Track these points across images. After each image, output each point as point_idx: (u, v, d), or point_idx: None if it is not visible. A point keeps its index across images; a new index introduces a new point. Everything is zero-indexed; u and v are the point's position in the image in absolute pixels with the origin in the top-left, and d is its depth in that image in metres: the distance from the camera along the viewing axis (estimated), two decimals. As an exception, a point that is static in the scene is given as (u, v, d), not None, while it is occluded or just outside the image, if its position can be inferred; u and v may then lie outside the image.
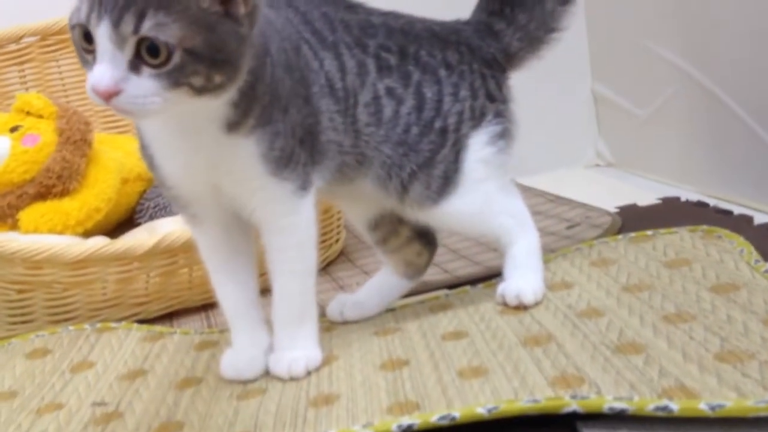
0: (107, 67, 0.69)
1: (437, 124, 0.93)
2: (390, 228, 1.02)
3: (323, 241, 1.36)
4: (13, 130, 1.31)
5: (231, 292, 0.90)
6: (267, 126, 0.81)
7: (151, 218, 1.42)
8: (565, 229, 1.30)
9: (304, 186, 0.85)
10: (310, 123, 0.85)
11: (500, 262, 1.13)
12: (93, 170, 1.32)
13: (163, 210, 1.42)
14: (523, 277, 0.96)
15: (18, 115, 1.33)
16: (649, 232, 1.12)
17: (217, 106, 0.77)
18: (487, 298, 1.01)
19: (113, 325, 1.13)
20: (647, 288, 0.93)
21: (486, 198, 0.95)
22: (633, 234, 1.13)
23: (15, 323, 1.18)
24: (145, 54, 0.69)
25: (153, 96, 0.70)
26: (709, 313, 0.83)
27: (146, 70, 0.70)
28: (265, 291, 0.91)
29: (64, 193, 1.28)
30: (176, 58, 0.70)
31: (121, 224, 1.43)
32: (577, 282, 0.99)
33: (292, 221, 0.86)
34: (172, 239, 1.17)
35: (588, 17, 1.73)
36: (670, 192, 1.47)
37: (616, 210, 1.38)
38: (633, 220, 1.30)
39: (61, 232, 1.25)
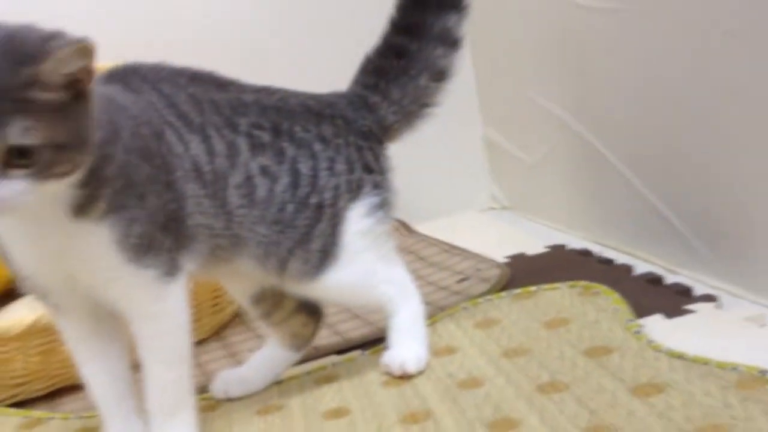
0: None
1: (313, 200, 0.92)
2: (273, 301, 1.01)
3: (215, 305, 1.33)
4: None
5: (102, 385, 0.87)
6: (121, 212, 0.78)
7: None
8: (456, 284, 1.32)
9: (170, 272, 0.83)
10: (173, 209, 0.83)
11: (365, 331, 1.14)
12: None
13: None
14: (407, 346, 0.97)
15: None
16: (533, 288, 1.14)
17: (62, 188, 0.74)
18: (373, 367, 1.01)
19: (-12, 410, 1.08)
20: (525, 353, 0.95)
21: (366, 269, 0.96)
22: (517, 290, 1.15)
23: None
24: (15, 158, 0.68)
25: (23, 195, 0.69)
26: (582, 381, 0.85)
27: (16, 173, 0.69)
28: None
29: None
30: (45, 155, 0.69)
31: (3, 296, 1.37)
32: (461, 346, 1.00)
33: (160, 308, 0.83)
34: (48, 320, 1.12)
35: (475, 66, 1.76)
36: (559, 237, 1.50)
37: (506, 260, 1.40)
38: (521, 270, 1.33)
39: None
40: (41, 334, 1.14)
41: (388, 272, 0.98)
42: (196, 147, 0.86)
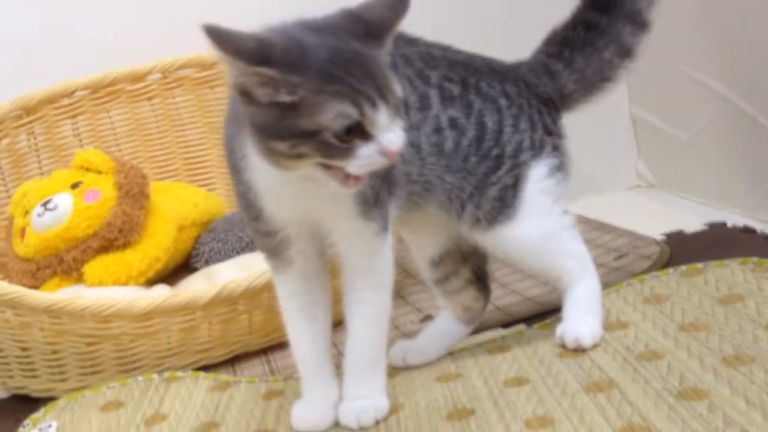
0: (393, 133, 0.78)
1: (494, 152, 0.96)
2: (452, 268, 1.05)
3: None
4: (74, 186, 1.36)
5: (306, 344, 0.94)
6: None
7: (207, 262, 1.47)
8: (614, 260, 1.32)
9: (385, 227, 0.89)
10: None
11: (552, 297, 1.16)
12: (151, 221, 1.37)
13: (218, 254, 1.47)
14: (583, 320, 0.98)
15: (78, 172, 1.38)
16: (700, 265, 1.13)
17: None
18: (543, 340, 1.03)
19: (180, 374, 1.17)
20: (703, 327, 0.95)
21: (548, 233, 0.98)
22: (684, 267, 1.14)
23: (85, 374, 1.23)
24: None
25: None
26: (767, 353, 0.85)
27: (397, 122, 0.79)
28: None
29: (125, 246, 1.33)
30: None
31: (177, 269, 1.48)
32: (633, 321, 1.01)
33: (373, 263, 0.90)
34: (233, 287, 1.21)
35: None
36: (715, 215, 1.47)
37: (663, 238, 1.39)
38: (681, 249, 1.31)
39: (124, 283, 1.30)
40: (223, 304, 1.22)
41: (571, 245, 1.00)
42: None
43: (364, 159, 0.77)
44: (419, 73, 0.94)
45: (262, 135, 0.78)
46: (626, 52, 1.02)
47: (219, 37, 0.74)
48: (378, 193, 0.88)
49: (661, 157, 1.78)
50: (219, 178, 1.70)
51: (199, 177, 1.69)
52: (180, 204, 1.45)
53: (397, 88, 0.79)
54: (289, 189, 0.85)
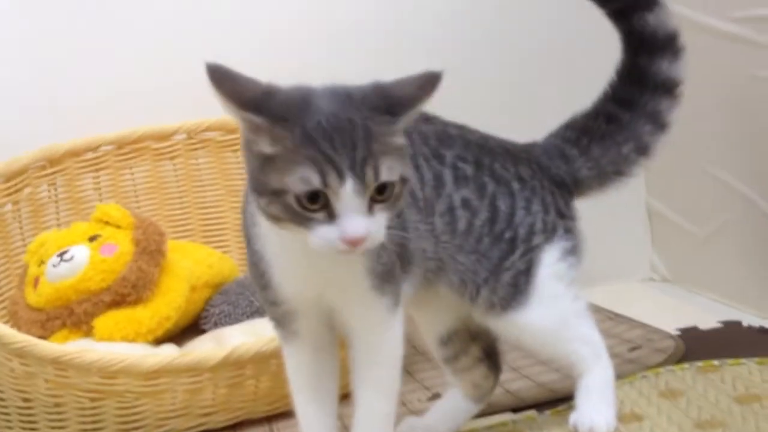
0: (359, 218, 0.74)
1: (507, 235, 0.96)
2: (461, 346, 1.04)
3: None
4: (92, 239, 1.36)
5: (312, 415, 0.93)
6: None
7: (216, 325, 1.46)
8: (628, 352, 1.31)
9: (397, 302, 0.89)
10: (400, 237, 0.87)
11: (564, 385, 1.15)
12: (165, 279, 1.37)
13: (228, 317, 1.46)
14: (597, 408, 0.97)
15: (97, 225, 1.39)
16: (716, 362, 1.12)
17: None
18: (556, 427, 1.02)
19: (182, 437, 1.15)
20: (720, 425, 0.93)
21: (561, 319, 0.97)
22: (700, 363, 1.13)
23: (86, 430, 1.21)
24: (376, 194, 0.76)
25: (384, 230, 0.77)
26: (788, 458, 0.83)
27: (377, 208, 0.76)
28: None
29: (137, 302, 1.33)
30: (397, 188, 0.77)
31: (185, 329, 1.46)
32: (648, 414, 1.00)
33: (383, 338, 0.89)
34: (242, 351, 1.20)
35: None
36: (730, 313, 1.47)
37: (677, 332, 1.38)
38: (695, 344, 1.30)
39: (132, 340, 1.29)
40: (231, 368, 1.21)
41: (582, 330, 0.99)
42: (411, 176, 0.91)
43: (324, 240, 0.75)
44: (434, 152, 0.95)
45: (250, 186, 0.79)
46: (644, 150, 1.03)
47: (218, 76, 0.74)
48: (391, 268, 0.87)
49: (676, 251, 1.78)
50: (234, 240, 1.70)
51: (215, 239, 1.69)
52: (194, 264, 1.45)
53: (387, 172, 0.74)
54: (297, 259, 0.84)
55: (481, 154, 0.98)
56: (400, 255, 0.89)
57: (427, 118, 0.98)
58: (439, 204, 0.94)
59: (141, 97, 1.67)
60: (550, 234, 0.98)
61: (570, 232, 0.99)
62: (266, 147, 0.74)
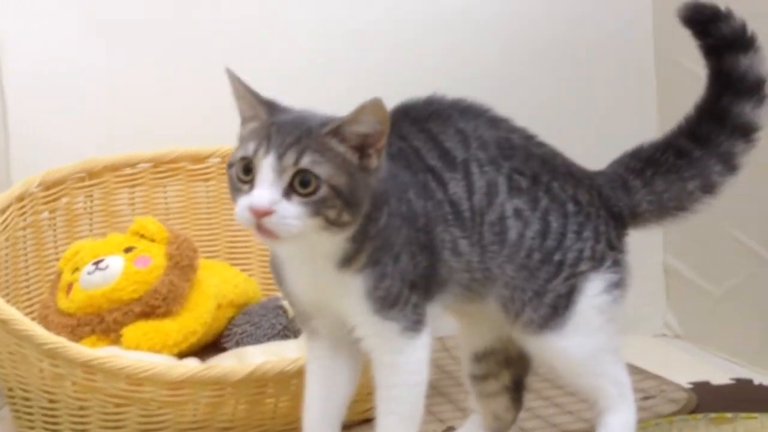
0: (267, 191, 0.82)
1: (556, 257, 0.96)
2: (493, 368, 1.06)
3: (369, 393, 1.39)
4: (128, 250, 1.40)
5: (315, 411, 0.96)
6: (375, 267, 0.89)
7: (237, 344, 1.49)
8: (640, 400, 1.32)
9: (413, 327, 0.90)
10: (424, 267, 0.91)
11: (578, 426, 1.17)
12: (194, 294, 1.41)
13: (250, 337, 1.49)
14: (617, 450, 0.98)
15: (133, 237, 1.43)
16: (729, 415, 1.14)
17: (337, 241, 0.87)
18: (570, 464, 1.03)
19: (202, 448, 1.17)
20: (733, 474, 0.95)
21: (594, 353, 0.98)
22: (713, 415, 1.15)
23: (107, 436, 1.24)
24: (297, 185, 0.83)
25: (296, 219, 0.82)
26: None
27: (295, 198, 0.83)
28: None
29: (166, 314, 1.36)
30: (322, 191, 0.83)
31: (206, 347, 1.49)
32: (662, 459, 1.02)
33: (398, 360, 0.91)
34: (266, 369, 1.22)
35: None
36: (741, 371, 1.49)
37: (690, 386, 1.40)
38: (707, 398, 1.32)
39: (159, 351, 1.32)
40: (254, 385, 1.24)
41: (614, 369, 1.00)
42: (456, 185, 0.93)
43: (239, 208, 0.84)
44: (492, 160, 0.95)
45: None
46: (710, 189, 1.03)
47: (230, 74, 0.89)
48: (397, 297, 0.89)
49: (690, 309, 1.80)
50: (257, 264, 1.73)
51: (240, 261, 1.72)
52: (221, 282, 1.49)
53: (309, 162, 0.82)
54: (299, 271, 0.91)
55: (541, 170, 0.97)
56: (420, 287, 0.91)
57: (493, 121, 0.98)
58: (490, 213, 0.94)
59: (180, 119, 1.73)
60: (597, 263, 0.97)
61: (618, 264, 0.99)
62: (246, 111, 0.89)
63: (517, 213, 0.95)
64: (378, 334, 0.90)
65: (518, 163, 0.96)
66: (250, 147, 0.84)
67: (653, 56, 1.82)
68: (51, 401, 1.25)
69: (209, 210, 1.73)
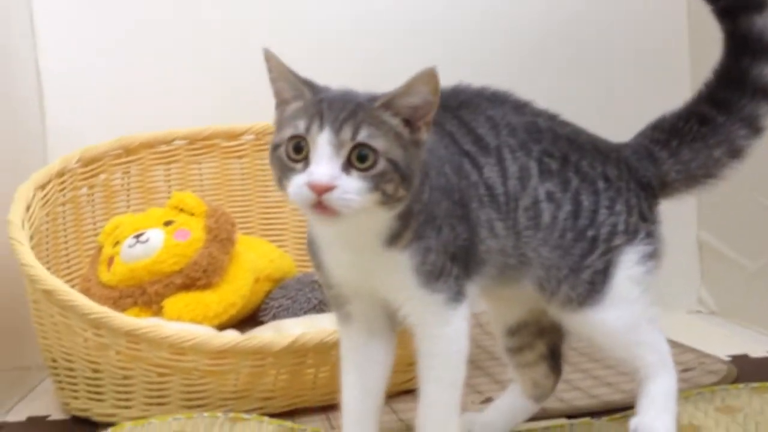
0: (326, 166, 0.81)
1: (590, 233, 0.97)
2: (528, 340, 1.06)
3: (409, 363, 1.39)
4: (167, 224, 1.42)
5: (354, 397, 0.96)
6: (420, 241, 0.89)
7: (274, 317, 1.50)
8: (680, 372, 1.32)
9: (456, 298, 0.91)
10: (463, 240, 0.92)
11: (617, 398, 1.17)
12: (233, 267, 1.42)
13: (287, 311, 1.50)
14: (659, 416, 0.98)
15: (171, 211, 1.45)
16: (772, 384, 1.14)
17: (386, 219, 0.87)
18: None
19: (245, 416, 1.19)
20: (779, 439, 0.95)
21: (632, 323, 0.99)
22: (755, 384, 1.15)
23: (150, 404, 1.25)
24: (355, 159, 0.82)
25: (356, 194, 0.81)
26: None
27: (355, 173, 0.82)
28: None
29: (206, 286, 1.38)
30: (380, 164, 0.83)
31: (244, 320, 1.51)
32: (706, 426, 1.02)
33: (443, 331, 0.92)
34: (306, 339, 1.24)
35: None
36: (779, 346, 1.48)
37: (728, 359, 1.40)
38: (747, 370, 1.32)
39: (200, 323, 1.34)
40: (294, 355, 1.25)
41: (652, 336, 1.01)
42: (490, 170, 0.94)
43: (295, 187, 0.82)
44: (522, 145, 0.96)
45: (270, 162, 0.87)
46: (736, 153, 1.03)
47: (269, 57, 0.87)
48: (441, 269, 0.90)
49: (725, 285, 1.79)
50: (291, 241, 1.74)
51: (274, 237, 1.74)
52: (258, 257, 1.50)
53: (366, 136, 0.81)
54: (341, 251, 0.90)
55: (569, 150, 0.98)
56: (460, 259, 0.91)
57: (519, 106, 0.99)
58: (524, 198, 0.95)
59: (215, 97, 1.75)
60: (631, 236, 0.98)
61: (651, 236, 1.00)
62: (286, 93, 0.87)
63: (550, 196, 0.96)
64: (424, 306, 0.91)
65: (547, 145, 0.97)
66: (301, 125, 0.82)
67: (687, 28, 1.81)
68: (95, 371, 1.27)
69: (243, 187, 1.75)
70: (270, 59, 0.87)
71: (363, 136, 0.82)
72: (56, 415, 1.36)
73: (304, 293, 1.52)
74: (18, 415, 1.39)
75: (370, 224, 0.87)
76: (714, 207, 1.81)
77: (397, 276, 0.90)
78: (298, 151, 0.83)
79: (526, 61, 1.80)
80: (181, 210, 1.44)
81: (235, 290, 1.39)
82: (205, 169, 1.73)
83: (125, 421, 1.21)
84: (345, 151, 0.82)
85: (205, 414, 1.19)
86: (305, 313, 1.50)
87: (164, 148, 1.68)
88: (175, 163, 1.70)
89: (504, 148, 0.96)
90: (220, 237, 1.40)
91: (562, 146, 0.98)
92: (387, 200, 0.83)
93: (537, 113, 1.00)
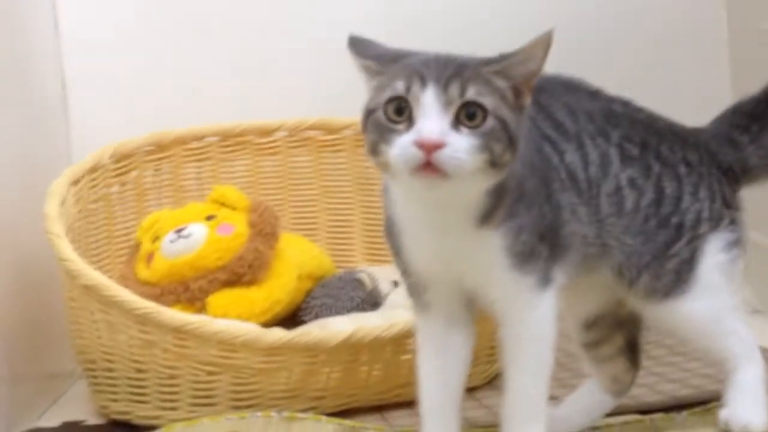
0: (436, 122, 0.76)
1: (674, 220, 0.94)
2: (605, 333, 1.02)
3: (490, 354, 1.35)
4: (209, 218, 1.37)
5: (433, 388, 0.91)
6: (513, 219, 0.85)
7: (317, 317, 1.44)
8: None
9: (544, 281, 0.87)
10: (550, 219, 0.88)
11: (687, 393, 1.13)
12: (277, 263, 1.37)
13: (329, 310, 1.45)
14: (751, 407, 0.94)
15: (212, 206, 1.40)
16: None
17: (477, 195, 0.82)
18: (697, 426, 0.99)
19: (300, 415, 1.13)
20: None
21: (719, 313, 0.95)
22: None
23: (197, 405, 1.19)
24: (464, 117, 0.77)
25: (467, 153, 0.77)
26: None
27: (464, 130, 0.77)
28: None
29: (251, 282, 1.32)
30: (490, 122, 0.78)
31: (283, 320, 1.45)
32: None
33: (530, 315, 0.88)
34: (361, 335, 1.19)
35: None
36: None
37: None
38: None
39: (245, 320, 1.28)
40: (347, 352, 1.20)
41: (738, 325, 0.97)
42: (571, 156, 0.91)
43: (400, 148, 0.76)
44: (601, 131, 0.94)
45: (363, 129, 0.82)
46: None
47: (353, 41, 0.83)
48: (532, 250, 0.86)
49: (770, 282, 1.75)
50: (325, 240, 1.69)
51: (306, 236, 1.69)
52: (300, 253, 1.45)
53: (475, 94, 0.77)
54: (428, 233, 0.85)
55: (648, 136, 0.96)
56: (547, 240, 0.88)
57: (592, 93, 0.96)
58: (606, 184, 0.92)
59: (247, 93, 1.71)
60: (715, 223, 0.95)
61: (735, 223, 0.97)
62: (373, 83, 0.82)
63: (632, 182, 0.93)
64: (513, 290, 0.87)
65: (626, 131, 0.94)
66: (400, 86, 0.78)
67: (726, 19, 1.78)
68: (138, 371, 1.21)
69: (276, 185, 1.69)
70: (353, 43, 0.83)
71: (471, 93, 0.78)
72: (92, 419, 1.30)
73: (346, 291, 1.47)
74: (51, 420, 1.33)
75: (470, 195, 0.82)
76: (757, 202, 1.77)
77: (487, 257, 0.85)
78: (399, 112, 0.78)
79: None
80: (223, 204, 1.39)
81: (281, 286, 1.34)
82: (237, 167, 1.67)
83: (167, 424, 1.16)
84: (453, 108, 0.77)
85: (259, 413, 1.14)
86: (348, 311, 1.44)
87: (196, 144, 1.62)
88: (207, 160, 1.64)
89: (583, 134, 0.92)
90: (265, 231, 1.35)
91: (640, 131, 0.96)
92: (493, 162, 0.79)
93: (610, 99, 0.98)
